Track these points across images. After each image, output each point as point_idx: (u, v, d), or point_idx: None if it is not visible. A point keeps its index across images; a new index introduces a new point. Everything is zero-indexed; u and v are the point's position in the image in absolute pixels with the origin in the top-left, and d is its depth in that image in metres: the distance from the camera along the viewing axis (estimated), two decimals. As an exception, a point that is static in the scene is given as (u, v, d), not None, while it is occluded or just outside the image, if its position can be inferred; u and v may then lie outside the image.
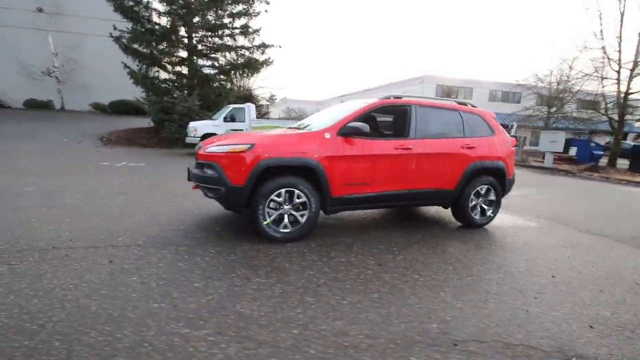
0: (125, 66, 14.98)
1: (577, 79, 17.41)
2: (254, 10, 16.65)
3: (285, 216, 3.30)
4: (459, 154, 4.00)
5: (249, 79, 18.22)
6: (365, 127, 3.34)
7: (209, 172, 3.20)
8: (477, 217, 4.24)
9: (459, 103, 4.34)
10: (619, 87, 13.23)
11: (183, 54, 16.61)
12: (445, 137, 4.00)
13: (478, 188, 4.15)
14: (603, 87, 14.16)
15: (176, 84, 16.30)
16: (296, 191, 3.25)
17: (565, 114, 22.37)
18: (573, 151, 15.58)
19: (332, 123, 3.51)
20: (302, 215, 3.32)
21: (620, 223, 5.17)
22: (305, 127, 3.96)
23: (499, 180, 4.30)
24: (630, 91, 13.01)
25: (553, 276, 2.95)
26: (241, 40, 17.24)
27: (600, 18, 13.41)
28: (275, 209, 3.25)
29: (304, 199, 3.28)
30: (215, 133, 11.25)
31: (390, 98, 3.86)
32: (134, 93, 18.93)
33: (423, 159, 3.78)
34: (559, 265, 3.24)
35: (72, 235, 3.19)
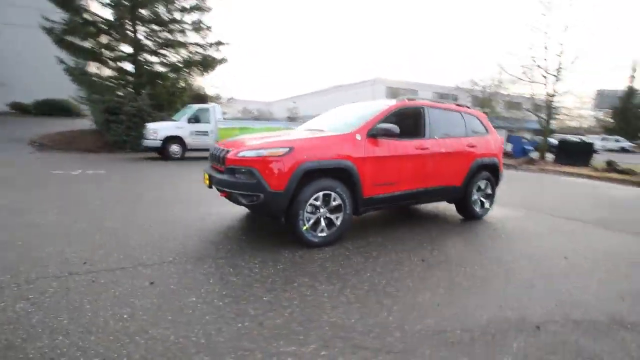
0: (60, 61, 13.18)
1: (508, 82, 19.74)
2: (206, 5, 15.84)
3: (322, 220, 3.23)
4: (465, 152, 4.29)
5: (204, 78, 17.23)
6: (396, 128, 3.42)
7: (245, 178, 2.99)
8: (478, 209, 4.59)
9: (457, 105, 4.66)
10: (546, 89, 15.36)
11: (128, 49, 15.13)
12: (453, 136, 4.26)
13: (479, 183, 4.51)
14: (532, 91, 16.31)
15: (121, 82, 14.79)
16: (332, 194, 3.20)
17: (498, 114, 25.14)
18: (509, 147, 17.60)
19: (359, 125, 3.52)
20: (337, 218, 3.29)
21: (581, 208, 6.00)
22: (316, 129, 3.90)
23: (494, 175, 4.72)
24: (554, 94, 15.20)
25: (565, 257, 3.34)
26: (193, 37, 16.31)
27: (533, 31, 15.44)
28: (312, 213, 3.17)
29: (339, 201, 3.25)
30: (179, 136, 10.48)
31: (405, 100, 4.00)
32: (64, 91, 16.77)
33: (437, 158, 3.99)
34: (563, 248, 3.66)
35: (84, 257, 2.74)
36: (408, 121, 3.91)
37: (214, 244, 3.21)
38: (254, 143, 3.20)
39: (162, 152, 10.47)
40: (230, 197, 3.13)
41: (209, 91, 18.27)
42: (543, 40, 15.11)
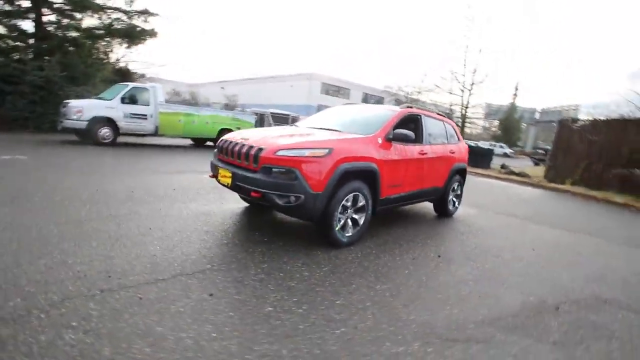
0: None
1: (427, 90, 22.27)
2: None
3: (348, 220, 3.31)
4: (448, 157, 4.83)
5: (130, 51, 15.00)
6: (412, 134, 3.68)
7: (284, 178, 2.86)
8: (451, 208, 5.22)
9: (439, 114, 5.18)
10: (462, 101, 17.87)
11: (25, 2, 12.22)
12: (440, 143, 4.74)
13: (454, 184, 5.12)
14: (450, 101, 18.82)
15: (18, 44, 11.93)
16: (360, 195, 3.30)
17: None
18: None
19: (378, 128, 3.67)
20: (360, 218, 3.40)
21: (508, 206, 7.26)
22: (331, 129, 3.90)
23: (463, 178, 5.42)
24: (469, 105, 17.85)
25: (533, 249, 4.09)
26: (117, 2, 14.10)
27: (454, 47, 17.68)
28: (342, 214, 3.22)
29: (363, 202, 3.36)
30: (110, 118, 9.02)
31: (410, 107, 4.29)
32: None
33: (431, 162, 4.41)
34: (522, 240, 4.46)
35: (100, 269, 2.30)
36: (409, 127, 4.21)
37: (240, 246, 3.01)
38: (288, 141, 3.08)
39: (85, 135, 8.89)
40: (263, 198, 2.95)
41: (135, 67, 16.07)
42: (462, 57, 17.48)
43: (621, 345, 2.17)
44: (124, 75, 14.96)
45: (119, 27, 14.17)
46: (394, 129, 3.72)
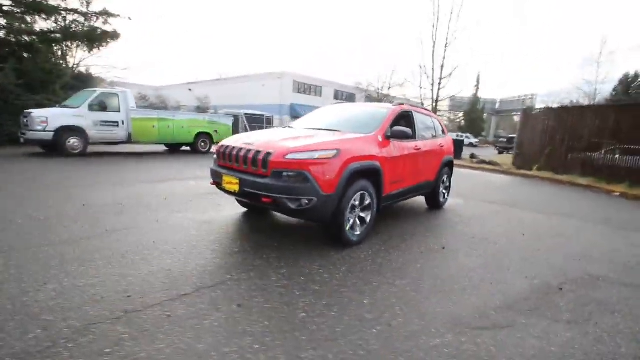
0: None
1: (397, 85, 22.97)
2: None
3: (356, 219, 3.35)
4: (438, 151, 5.00)
5: (92, 55, 14.14)
6: (410, 131, 3.78)
7: (295, 181, 2.84)
8: (441, 199, 5.42)
9: (426, 109, 5.34)
10: (432, 94, 18.51)
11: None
12: (430, 138, 4.90)
13: (443, 177, 5.32)
14: (421, 93, 19.43)
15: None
16: (366, 193, 3.35)
17: None
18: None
19: (377, 126, 3.73)
20: (367, 216, 3.45)
21: (487, 194, 7.64)
22: (331, 129, 3.90)
23: (451, 170, 5.63)
24: (439, 99, 18.53)
25: (523, 234, 4.35)
26: (73, 3, 13.22)
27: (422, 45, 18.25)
28: (351, 214, 3.25)
29: (369, 200, 3.42)
30: (79, 127, 8.47)
31: (402, 104, 4.39)
32: None
33: (425, 157, 4.55)
34: (510, 226, 4.73)
35: (120, 289, 2.18)
36: (402, 124, 4.32)
37: (253, 253, 2.96)
38: (296, 144, 3.06)
39: (52, 146, 8.31)
40: (274, 203, 2.92)
41: (97, 71, 15.20)
42: (430, 51, 18.07)
43: (624, 318, 2.38)
44: (85, 81, 14.08)
45: (77, 30, 13.33)
46: (391, 127, 3.80)
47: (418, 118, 4.64)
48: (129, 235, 3.19)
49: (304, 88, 28.68)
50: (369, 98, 31.10)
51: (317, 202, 2.88)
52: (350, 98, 33.65)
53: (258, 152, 3.02)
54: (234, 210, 4.30)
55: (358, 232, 3.36)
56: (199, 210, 4.18)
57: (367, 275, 2.73)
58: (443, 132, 5.56)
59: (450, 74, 18.23)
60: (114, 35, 14.34)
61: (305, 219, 3.25)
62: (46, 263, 2.50)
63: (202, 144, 11.55)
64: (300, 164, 2.86)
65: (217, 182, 3.43)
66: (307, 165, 2.86)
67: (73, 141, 8.42)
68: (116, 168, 7.27)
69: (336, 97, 32.85)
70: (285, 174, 2.86)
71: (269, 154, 2.94)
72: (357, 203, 3.27)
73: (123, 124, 9.28)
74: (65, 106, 8.88)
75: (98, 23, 13.99)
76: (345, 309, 2.19)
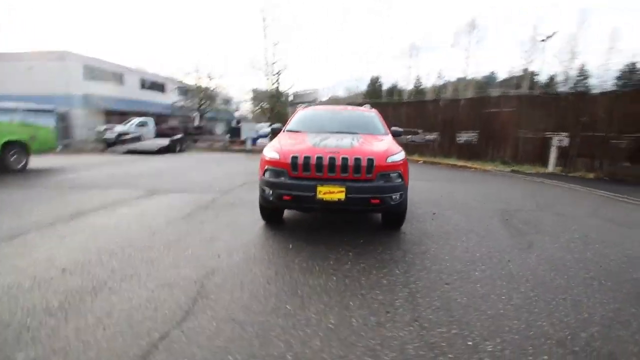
0: None
1: (218, 76, 23.00)
2: None
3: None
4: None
5: None
6: (401, 130, 4.57)
7: (394, 180, 3.27)
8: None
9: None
10: (270, 87, 19.82)
11: None
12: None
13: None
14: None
15: None
16: (402, 186, 3.99)
17: (216, 107, 28.33)
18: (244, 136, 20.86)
19: (381, 127, 4.39)
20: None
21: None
22: (320, 133, 3.96)
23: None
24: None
25: (475, 200, 6.12)
26: None
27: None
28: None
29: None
30: None
31: (371, 107, 5.07)
32: None
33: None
34: (444, 193, 6.47)
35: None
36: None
37: (294, 253, 3.06)
38: (381, 148, 3.49)
39: None
40: (382, 203, 3.20)
41: None
42: (263, 49, 18.99)
43: (553, 230, 4.22)
44: None
45: None
46: (392, 127, 4.51)
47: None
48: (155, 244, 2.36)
49: (100, 75, 22.35)
50: (182, 90, 28.47)
51: (404, 194, 3.39)
52: (161, 88, 29.47)
53: (358, 158, 3.15)
54: (249, 223, 3.69)
55: (399, 220, 3.96)
56: (215, 231, 3.33)
57: (399, 263, 3.23)
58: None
59: (284, 69, 19.96)
60: None
61: (391, 213, 3.60)
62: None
63: (14, 157, 7.63)
64: (397, 165, 3.32)
65: (299, 196, 3.12)
66: (400, 165, 3.36)
67: None
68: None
69: (143, 87, 27.78)
70: (388, 175, 3.23)
71: (371, 159, 3.14)
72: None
73: None
74: None
75: None
76: (414, 296, 2.79)
